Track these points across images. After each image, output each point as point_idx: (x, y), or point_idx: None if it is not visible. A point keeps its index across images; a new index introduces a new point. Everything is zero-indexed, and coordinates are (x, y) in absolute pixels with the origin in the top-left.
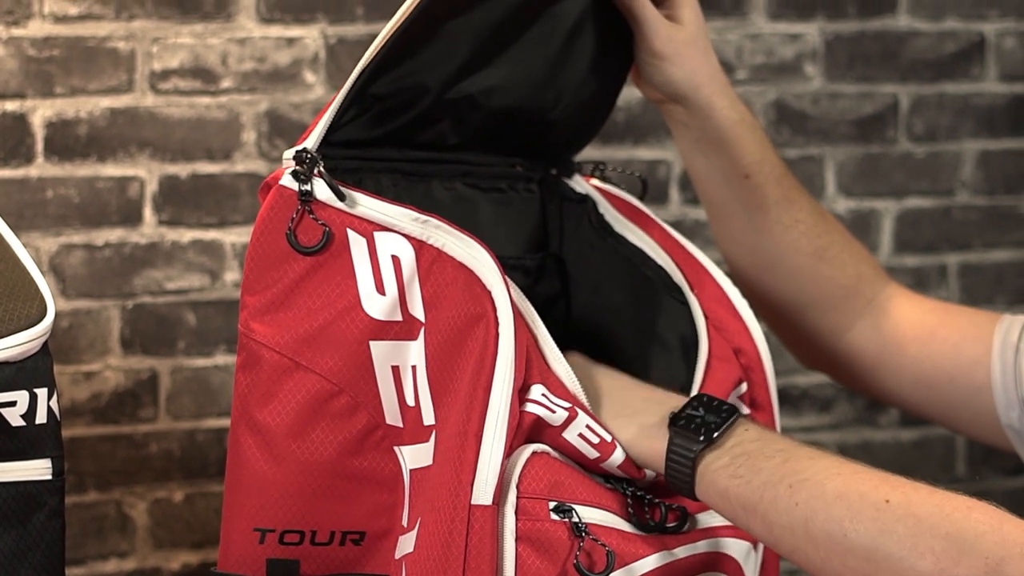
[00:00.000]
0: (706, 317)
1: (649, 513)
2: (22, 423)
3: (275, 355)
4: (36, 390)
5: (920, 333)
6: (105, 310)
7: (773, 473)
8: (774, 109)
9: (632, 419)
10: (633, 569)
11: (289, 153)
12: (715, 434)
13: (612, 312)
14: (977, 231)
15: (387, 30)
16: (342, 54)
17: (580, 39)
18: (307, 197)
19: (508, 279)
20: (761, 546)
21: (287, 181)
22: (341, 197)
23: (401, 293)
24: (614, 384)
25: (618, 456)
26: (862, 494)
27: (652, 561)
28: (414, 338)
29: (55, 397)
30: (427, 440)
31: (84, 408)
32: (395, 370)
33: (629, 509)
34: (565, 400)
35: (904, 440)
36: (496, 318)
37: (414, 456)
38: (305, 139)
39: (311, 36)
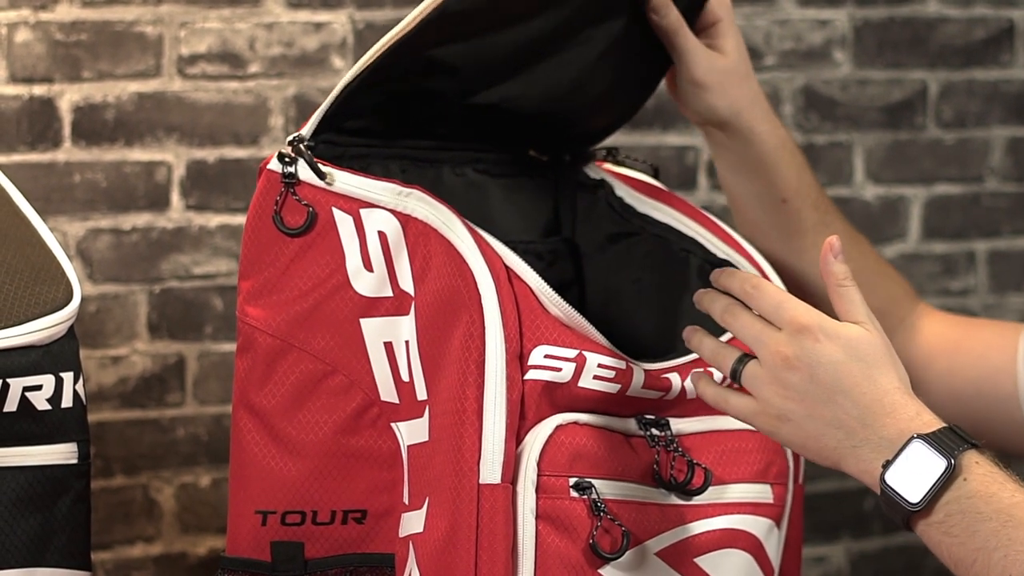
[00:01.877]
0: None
1: (674, 471)
2: (48, 407)
3: (269, 338)
4: (62, 374)
5: (946, 346)
6: (132, 295)
7: (988, 539)
8: (802, 95)
9: (846, 441)
10: (648, 547)
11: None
12: (927, 498)
13: (634, 294)
14: (1006, 218)
15: (383, 42)
16: (370, 39)
17: (612, 58)
18: (291, 179)
19: (481, 235)
20: (785, 524)
21: (274, 164)
22: (320, 176)
23: (390, 268)
24: (848, 372)
25: (639, 378)
26: None
27: (668, 537)
28: (406, 313)
29: (81, 381)
30: (422, 415)
31: (111, 392)
32: (388, 346)
33: (655, 466)
34: (570, 347)
35: None
36: (478, 291)
37: (411, 432)
38: (305, 126)
39: (339, 21)
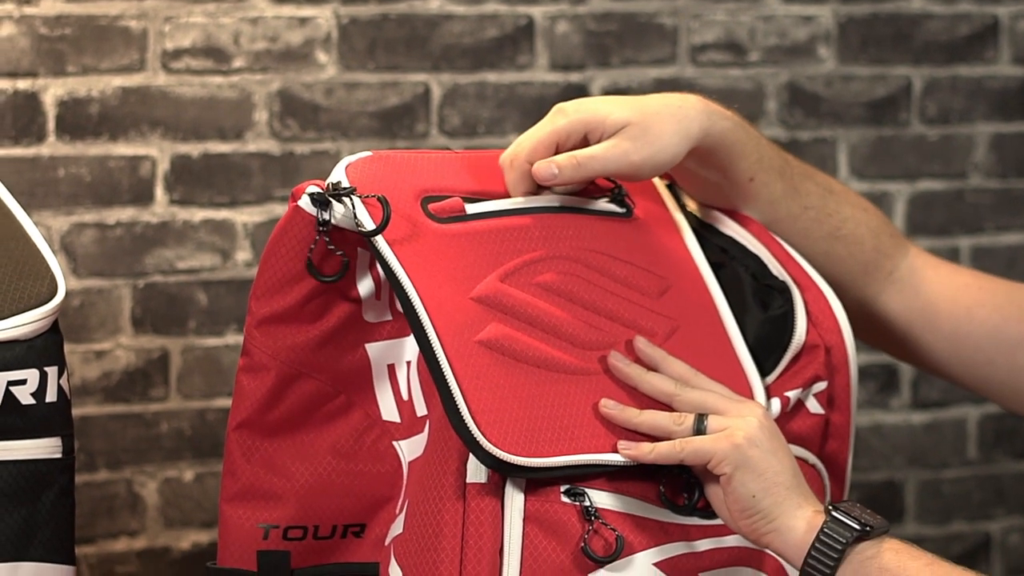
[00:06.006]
0: (806, 308)
1: (687, 495)
2: (32, 401)
3: (277, 363)
4: (46, 368)
5: (955, 311)
6: (116, 289)
7: (920, 574)
8: (787, 91)
9: (784, 495)
10: (645, 557)
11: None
12: (870, 528)
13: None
14: (990, 214)
15: None
16: (354, 34)
17: None
18: (325, 226)
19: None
20: None
21: (305, 204)
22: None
23: (390, 294)
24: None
25: None
26: None
27: (669, 549)
28: (408, 334)
29: (65, 375)
30: (422, 431)
31: (95, 387)
32: (391, 368)
33: (661, 488)
34: None
35: (915, 423)
36: None
37: (411, 448)
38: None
39: (323, 16)
